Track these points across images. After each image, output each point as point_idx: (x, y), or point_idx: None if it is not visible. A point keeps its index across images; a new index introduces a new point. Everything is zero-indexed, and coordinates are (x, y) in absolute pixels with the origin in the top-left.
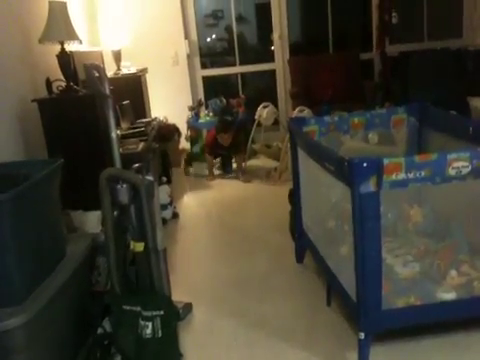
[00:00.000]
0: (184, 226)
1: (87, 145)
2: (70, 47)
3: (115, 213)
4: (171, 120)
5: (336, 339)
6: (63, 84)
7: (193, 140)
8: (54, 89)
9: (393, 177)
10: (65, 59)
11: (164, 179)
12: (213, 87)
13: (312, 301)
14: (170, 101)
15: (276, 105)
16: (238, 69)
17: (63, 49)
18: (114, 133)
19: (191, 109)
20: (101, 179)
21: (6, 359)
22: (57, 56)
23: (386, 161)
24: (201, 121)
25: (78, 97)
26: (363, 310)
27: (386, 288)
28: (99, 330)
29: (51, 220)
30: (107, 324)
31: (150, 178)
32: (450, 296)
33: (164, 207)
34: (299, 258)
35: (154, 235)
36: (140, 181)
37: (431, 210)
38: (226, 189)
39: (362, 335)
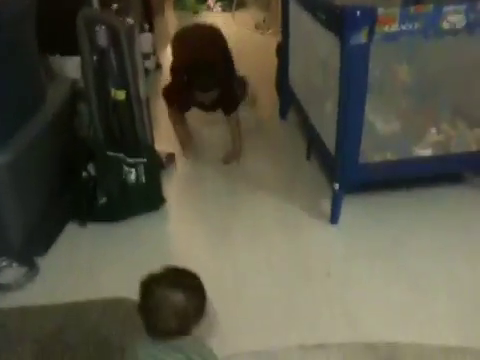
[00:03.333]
0: (167, 77)
1: None
2: None
3: (94, 58)
4: None
5: (313, 190)
6: None
7: None
8: None
9: (386, 29)
10: None
11: (146, 26)
12: None
13: (292, 156)
14: None
15: None
16: None
17: None
18: None
19: None
20: (78, 21)
21: None
22: None
23: (381, 11)
24: None
25: None
26: (341, 163)
27: (365, 143)
28: (84, 174)
29: (28, 63)
30: (92, 169)
31: (130, 21)
32: (426, 152)
33: (146, 57)
34: (282, 114)
35: (136, 83)
36: (120, 23)
37: (418, 69)
38: None
39: (337, 186)
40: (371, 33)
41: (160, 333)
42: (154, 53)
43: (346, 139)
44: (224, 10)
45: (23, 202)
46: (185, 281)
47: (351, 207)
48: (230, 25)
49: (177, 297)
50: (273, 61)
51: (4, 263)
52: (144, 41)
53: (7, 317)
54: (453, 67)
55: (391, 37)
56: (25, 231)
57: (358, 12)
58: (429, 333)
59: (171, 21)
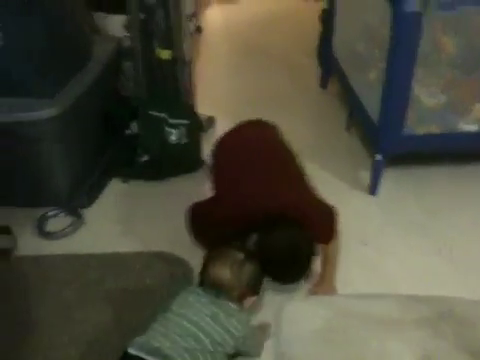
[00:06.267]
0: (208, 41)
1: None
2: None
3: (141, 17)
4: None
5: (352, 161)
6: None
7: None
8: None
9: None
10: None
11: None
12: None
13: (332, 125)
14: None
15: None
16: None
17: None
18: None
19: None
20: None
21: (40, 149)
22: None
23: None
24: None
25: None
26: (383, 132)
27: (409, 115)
28: (127, 132)
29: (75, 19)
30: (134, 127)
31: None
32: (472, 128)
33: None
34: (323, 83)
35: (181, 43)
36: None
37: (467, 42)
38: (256, 2)
39: (378, 156)
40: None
41: (212, 284)
42: (195, 15)
43: (390, 109)
44: None
45: (70, 155)
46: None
47: (390, 179)
48: None
49: (240, 256)
50: (313, 30)
51: (52, 213)
52: (188, 2)
53: (52, 264)
54: None
55: (448, 5)
56: (72, 183)
57: None
58: None
59: None
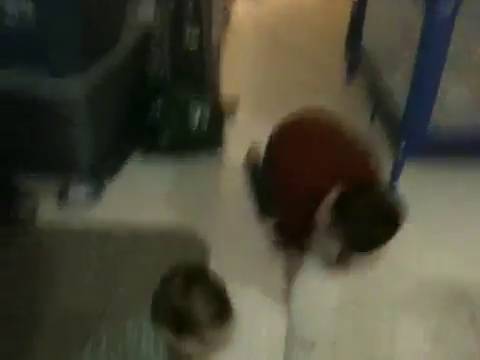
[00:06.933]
0: (235, 30)
1: None
2: None
3: (172, 2)
4: None
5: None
6: None
7: None
8: None
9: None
10: None
11: None
12: None
13: (356, 117)
14: None
15: None
16: None
17: None
18: None
19: None
20: None
21: (67, 121)
22: None
23: None
24: None
25: None
26: (410, 123)
27: (436, 109)
28: (151, 112)
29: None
30: (158, 106)
31: None
32: None
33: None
34: (349, 75)
35: (210, 27)
36: None
37: None
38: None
39: (403, 144)
40: (458, 5)
41: None
42: (224, 7)
43: (418, 103)
44: None
45: (96, 129)
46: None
47: (411, 172)
48: None
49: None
50: (341, 23)
51: (75, 181)
52: None
53: (72, 236)
54: None
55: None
56: (96, 155)
57: None
58: None
59: None
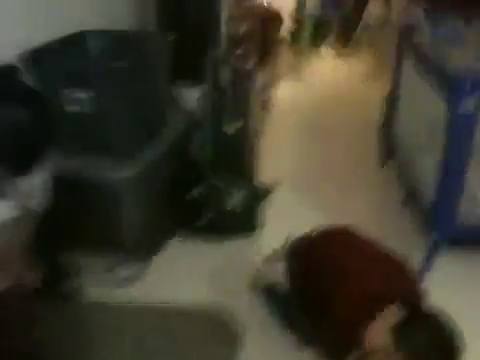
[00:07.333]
0: (273, 115)
1: (197, 22)
2: None
3: (215, 93)
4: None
5: (405, 240)
6: None
7: (296, 29)
8: None
9: None
10: None
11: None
12: None
13: (388, 204)
14: None
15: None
16: None
17: None
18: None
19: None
20: (208, 61)
21: (115, 203)
22: None
23: None
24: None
25: None
26: (438, 217)
27: (464, 204)
28: (191, 194)
29: (157, 89)
30: (199, 190)
31: (250, 65)
32: None
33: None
34: (382, 162)
35: (248, 119)
36: (242, 68)
37: None
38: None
39: (435, 235)
40: None
41: None
42: (263, 90)
43: (446, 195)
44: (338, 55)
45: (141, 209)
46: None
47: (443, 263)
48: (340, 72)
49: None
50: (374, 109)
51: (119, 258)
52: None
53: (113, 312)
54: None
55: None
56: (138, 236)
57: (470, 80)
58: None
59: (284, 59)
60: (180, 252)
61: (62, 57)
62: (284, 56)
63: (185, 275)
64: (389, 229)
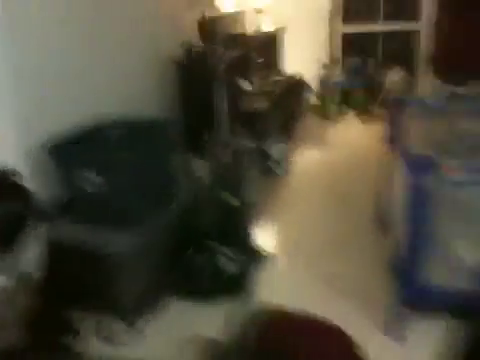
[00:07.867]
0: (290, 183)
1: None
2: (212, 12)
3: (218, 170)
4: (305, 77)
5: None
6: (200, 49)
7: (323, 98)
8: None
9: (452, 177)
10: (204, 25)
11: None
12: (351, 44)
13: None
14: (306, 58)
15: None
16: (380, 27)
17: (203, 16)
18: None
19: (325, 67)
20: (209, 140)
21: (116, 268)
22: (198, 22)
23: (444, 161)
24: (334, 80)
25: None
26: (404, 280)
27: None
28: (186, 257)
29: (165, 169)
30: (192, 257)
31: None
32: None
33: (276, 163)
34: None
35: (246, 193)
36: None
37: None
38: (344, 142)
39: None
40: (436, 180)
41: None
42: (284, 160)
43: (412, 260)
44: (363, 121)
45: (139, 276)
46: None
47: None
48: (364, 137)
49: None
50: None
51: (116, 318)
52: (276, 150)
53: None
54: None
55: (458, 185)
56: (134, 299)
57: (418, 160)
58: None
59: (310, 127)
60: (175, 312)
61: (81, 148)
62: (309, 122)
63: (182, 336)
64: (372, 287)
